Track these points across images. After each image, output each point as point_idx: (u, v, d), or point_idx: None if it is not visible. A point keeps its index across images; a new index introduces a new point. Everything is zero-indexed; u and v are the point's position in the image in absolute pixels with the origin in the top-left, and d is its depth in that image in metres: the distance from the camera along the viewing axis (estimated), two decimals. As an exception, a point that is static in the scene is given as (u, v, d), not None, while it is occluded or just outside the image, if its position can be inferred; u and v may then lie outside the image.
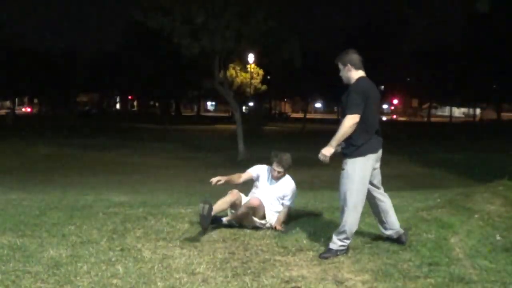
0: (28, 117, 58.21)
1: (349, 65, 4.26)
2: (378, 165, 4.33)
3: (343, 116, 4.16)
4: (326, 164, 4.25)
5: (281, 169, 5.09)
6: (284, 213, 5.08)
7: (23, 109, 73.95)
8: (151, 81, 50.67)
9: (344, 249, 4.17)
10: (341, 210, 4.22)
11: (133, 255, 4.01)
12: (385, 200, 4.40)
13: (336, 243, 4.16)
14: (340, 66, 4.31)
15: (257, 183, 5.23)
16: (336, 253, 4.11)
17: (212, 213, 4.60)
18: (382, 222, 4.43)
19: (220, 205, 4.87)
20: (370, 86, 4.27)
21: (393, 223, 4.40)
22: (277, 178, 5.13)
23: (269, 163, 5.16)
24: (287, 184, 5.18)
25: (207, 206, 4.46)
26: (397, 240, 4.37)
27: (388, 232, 4.42)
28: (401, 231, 4.41)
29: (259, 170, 5.24)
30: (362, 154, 4.15)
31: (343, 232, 4.15)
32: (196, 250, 4.20)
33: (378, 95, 4.37)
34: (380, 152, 4.30)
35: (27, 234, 4.53)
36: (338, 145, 4.17)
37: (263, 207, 4.93)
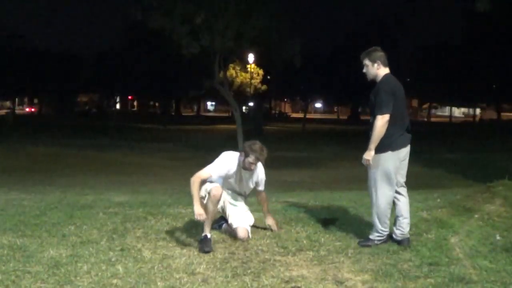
0: (28, 117, 58.16)
1: (379, 61, 4.33)
2: (406, 160, 4.43)
3: (372, 115, 4.28)
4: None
5: (259, 163, 4.65)
6: (267, 203, 4.95)
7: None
8: (151, 81, 50.65)
9: (383, 239, 4.36)
10: (371, 205, 4.41)
11: (133, 255, 4.01)
12: (401, 199, 4.43)
13: (372, 233, 4.38)
14: (368, 62, 4.36)
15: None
16: (374, 242, 4.33)
17: (210, 223, 4.44)
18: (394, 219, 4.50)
19: (212, 211, 4.40)
20: (397, 83, 4.38)
21: (403, 225, 4.40)
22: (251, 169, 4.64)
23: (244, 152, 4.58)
24: (260, 169, 4.76)
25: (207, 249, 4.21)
26: (398, 242, 4.38)
27: (395, 231, 4.43)
28: (408, 235, 4.42)
29: (228, 166, 4.59)
30: (393, 148, 4.27)
31: (375, 225, 4.36)
32: (196, 250, 4.20)
33: (403, 92, 4.46)
34: (408, 147, 4.41)
35: (27, 234, 4.54)
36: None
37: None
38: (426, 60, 52.93)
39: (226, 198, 4.73)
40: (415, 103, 78.26)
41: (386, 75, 4.34)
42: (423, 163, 16.49)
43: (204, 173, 4.50)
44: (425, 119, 67.47)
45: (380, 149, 4.25)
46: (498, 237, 4.57)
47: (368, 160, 4.24)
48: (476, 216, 5.41)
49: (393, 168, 4.29)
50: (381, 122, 4.17)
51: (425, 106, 72.44)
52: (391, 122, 4.22)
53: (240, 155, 4.56)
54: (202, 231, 4.34)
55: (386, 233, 4.36)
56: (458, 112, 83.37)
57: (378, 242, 4.33)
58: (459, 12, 46.28)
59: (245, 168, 4.57)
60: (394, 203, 4.42)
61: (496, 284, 3.44)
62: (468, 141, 28.02)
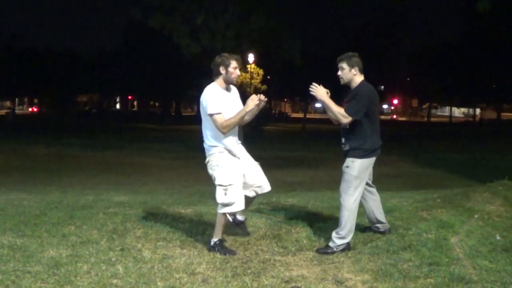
0: (28, 117, 58.16)
1: (357, 67, 4.32)
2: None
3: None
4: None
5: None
6: None
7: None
8: (151, 81, 50.68)
9: (344, 247, 4.22)
10: (341, 209, 4.33)
11: (133, 255, 4.01)
12: (372, 196, 4.63)
13: (335, 241, 4.24)
14: (346, 66, 4.33)
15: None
16: (333, 250, 4.19)
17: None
18: (371, 217, 4.69)
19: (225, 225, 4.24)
20: (373, 90, 4.38)
21: (382, 218, 4.69)
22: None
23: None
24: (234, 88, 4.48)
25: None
26: (382, 232, 4.62)
27: (377, 225, 4.69)
28: (388, 226, 4.72)
29: (219, 94, 4.27)
30: (366, 156, 4.29)
31: (342, 230, 4.25)
32: (196, 250, 4.20)
33: (378, 99, 4.47)
34: (378, 152, 4.45)
35: (27, 234, 4.53)
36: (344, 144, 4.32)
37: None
38: (426, 60, 52.91)
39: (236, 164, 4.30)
40: (415, 103, 78.28)
41: (363, 82, 4.33)
42: (423, 163, 16.52)
43: (219, 118, 4.12)
44: (425, 119, 67.47)
45: (359, 155, 4.24)
46: (498, 237, 4.56)
47: (317, 90, 4.29)
48: (476, 216, 5.40)
49: (367, 174, 4.38)
50: (347, 120, 4.17)
51: (425, 106, 72.41)
52: (370, 129, 4.27)
53: (219, 76, 4.30)
54: (212, 236, 4.23)
55: (349, 239, 4.28)
56: (458, 112, 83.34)
57: (338, 249, 4.19)
58: (459, 12, 46.23)
59: (230, 81, 4.30)
60: (362, 202, 4.51)
61: (496, 284, 3.44)
62: (468, 141, 28.01)
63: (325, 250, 4.19)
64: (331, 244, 4.23)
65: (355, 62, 4.31)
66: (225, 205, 4.10)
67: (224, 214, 4.14)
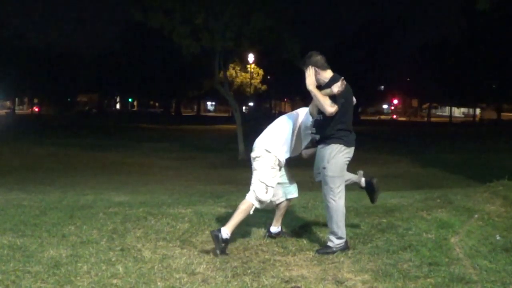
0: (28, 117, 58.14)
1: (317, 68, 4.25)
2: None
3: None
4: None
5: None
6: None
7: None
8: (151, 81, 50.69)
9: (343, 247, 4.21)
10: (328, 210, 4.27)
11: (133, 255, 4.01)
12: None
13: (333, 241, 4.22)
14: (308, 64, 4.28)
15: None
16: (333, 250, 4.17)
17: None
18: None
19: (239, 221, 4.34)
20: (347, 85, 4.29)
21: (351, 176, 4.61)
22: None
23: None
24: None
25: None
26: (368, 183, 4.63)
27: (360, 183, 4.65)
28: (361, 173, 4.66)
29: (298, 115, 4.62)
30: (347, 144, 4.21)
31: (335, 230, 4.22)
32: (196, 250, 4.20)
33: (352, 93, 4.37)
34: (353, 149, 4.34)
35: (27, 234, 4.53)
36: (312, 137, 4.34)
37: None
38: (426, 60, 52.93)
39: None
40: (415, 103, 78.35)
41: (333, 76, 4.28)
42: (423, 163, 16.50)
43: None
44: (425, 119, 67.46)
45: (334, 141, 4.18)
46: (498, 237, 4.57)
47: (309, 76, 4.20)
48: (476, 216, 5.41)
49: (345, 165, 4.26)
50: (333, 109, 4.07)
51: (425, 106, 72.45)
52: (343, 120, 4.20)
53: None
54: (219, 230, 4.20)
55: (345, 238, 4.26)
56: (458, 112, 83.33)
57: (338, 249, 4.18)
58: (459, 12, 46.24)
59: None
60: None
61: (496, 284, 3.44)
62: (468, 141, 27.99)
63: (325, 251, 4.17)
64: (330, 244, 4.22)
65: (312, 62, 4.26)
66: (260, 201, 4.31)
67: (252, 205, 4.30)
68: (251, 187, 4.35)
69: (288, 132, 4.47)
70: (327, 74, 4.29)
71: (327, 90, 4.18)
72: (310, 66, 4.25)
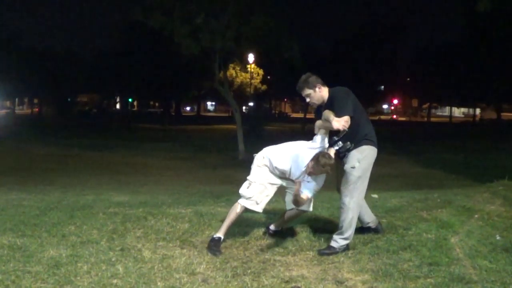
0: (28, 117, 58.14)
1: (318, 84, 4.25)
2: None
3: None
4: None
5: None
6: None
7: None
8: (151, 81, 50.64)
9: (345, 247, 4.21)
10: (341, 207, 4.29)
11: (133, 255, 4.01)
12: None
13: (338, 242, 4.21)
14: (309, 91, 4.25)
15: None
16: (336, 251, 4.17)
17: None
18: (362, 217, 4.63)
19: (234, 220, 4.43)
20: (343, 88, 4.33)
21: (370, 215, 4.67)
22: None
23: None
24: None
25: None
26: (375, 230, 4.62)
27: (369, 224, 4.65)
28: (377, 220, 4.72)
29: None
30: (374, 144, 4.27)
31: (347, 232, 4.22)
32: (196, 250, 4.20)
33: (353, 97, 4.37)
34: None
35: (27, 234, 4.53)
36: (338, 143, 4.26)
37: None
38: (426, 60, 52.89)
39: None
40: (415, 103, 78.25)
41: (330, 89, 4.28)
42: (423, 163, 16.51)
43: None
44: (425, 119, 67.43)
45: (366, 143, 4.23)
46: (498, 237, 4.57)
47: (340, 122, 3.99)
48: (476, 216, 5.41)
49: (371, 166, 4.30)
50: (346, 123, 4.00)
51: (425, 106, 72.39)
52: (363, 122, 4.24)
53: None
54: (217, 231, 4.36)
55: (350, 240, 4.27)
56: (458, 112, 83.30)
57: (340, 250, 4.17)
58: (459, 12, 46.23)
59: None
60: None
61: (496, 284, 3.44)
62: (468, 141, 27.99)
63: (328, 251, 4.16)
64: (334, 244, 4.21)
65: (314, 81, 4.24)
66: (243, 196, 4.34)
67: (239, 205, 4.33)
68: None
69: (291, 146, 4.42)
70: (326, 91, 4.30)
71: (325, 116, 4.13)
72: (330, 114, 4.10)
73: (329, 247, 4.22)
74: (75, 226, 4.90)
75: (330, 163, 4.02)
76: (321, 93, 4.27)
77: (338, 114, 4.04)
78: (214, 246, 4.18)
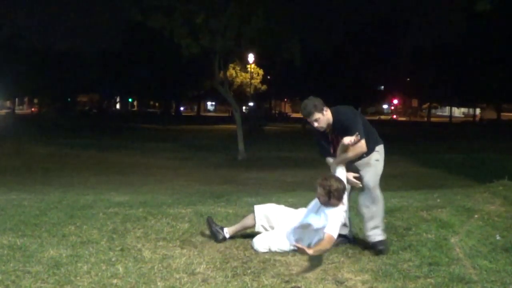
0: (28, 117, 58.13)
1: (324, 106, 4.22)
2: None
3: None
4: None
5: None
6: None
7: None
8: (151, 81, 50.69)
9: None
10: (371, 202, 4.26)
11: (133, 255, 4.01)
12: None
13: (383, 234, 4.24)
14: (318, 115, 4.19)
15: None
16: (386, 241, 4.23)
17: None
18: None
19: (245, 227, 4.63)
20: (342, 107, 4.38)
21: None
22: None
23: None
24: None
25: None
26: (344, 236, 4.50)
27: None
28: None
29: None
30: (381, 143, 4.40)
31: (381, 226, 4.26)
32: (196, 250, 4.20)
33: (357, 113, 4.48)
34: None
35: (27, 234, 4.53)
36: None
37: None
38: (426, 60, 52.92)
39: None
40: (415, 103, 78.30)
41: (332, 110, 4.26)
42: (423, 163, 16.50)
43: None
44: (425, 119, 67.45)
45: (376, 143, 4.34)
46: (498, 237, 4.57)
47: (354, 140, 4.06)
48: (476, 216, 5.41)
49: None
50: (365, 145, 4.13)
51: (425, 106, 72.40)
52: (370, 133, 4.33)
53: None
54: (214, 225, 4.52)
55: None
56: (458, 112, 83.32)
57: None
58: (459, 12, 46.22)
59: None
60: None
61: (496, 284, 3.44)
62: (468, 141, 27.99)
63: (384, 247, 4.15)
64: (382, 237, 4.21)
65: (321, 104, 4.20)
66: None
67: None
68: None
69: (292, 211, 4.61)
70: (329, 112, 4.27)
71: (342, 149, 4.17)
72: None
73: (381, 242, 4.19)
74: (75, 226, 4.90)
75: (341, 187, 4.03)
76: (328, 115, 4.22)
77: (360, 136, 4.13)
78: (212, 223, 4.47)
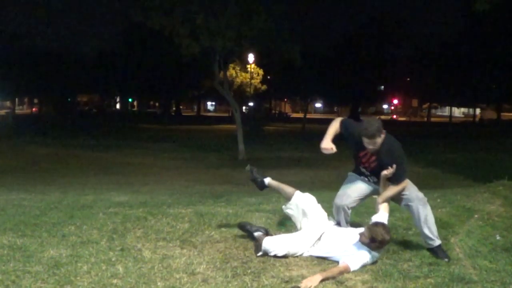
0: (28, 117, 58.13)
1: (383, 131, 4.14)
2: None
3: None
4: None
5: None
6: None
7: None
8: (151, 81, 50.67)
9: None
10: (425, 207, 4.19)
11: (133, 255, 4.01)
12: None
13: (436, 239, 4.15)
14: (378, 140, 4.11)
15: None
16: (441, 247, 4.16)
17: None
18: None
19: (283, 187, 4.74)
20: (395, 142, 4.27)
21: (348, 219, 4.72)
22: None
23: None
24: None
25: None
26: None
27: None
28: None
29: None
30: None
31: (433, 225, 4.18)
32: (196, 250, 4.20)
33: None
34: None
35: (27, 234, 4.53)
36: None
37: None
38: (426, 60, 52.92)
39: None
40: (415, 103, 78.29)
41: (388, 136, 4.19)
42: (423, 163, 16.49)
43: None
44: (425, 119, 67.45)
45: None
46: (498, 237, 4.57)
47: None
48: (476, 216, 5.42)
49: None
50: (405, 182, 4.17)
51: (425, 106, 72.42)
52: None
53: None
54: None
55: None
56: (458, 112, 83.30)
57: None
58: (459, 12, 46.27)
59: None
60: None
61: (496, 284, 3.45)
62: (468, 141, 28.00)
63: (442, 252, 4.10)
64: (437, 242, 4.13)
65: (381, 127, 4.11)
66: None
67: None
68: None
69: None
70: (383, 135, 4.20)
71: (384, 183, 4.20)
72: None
73: (438, 246, 4.12)
74: (75, 226, 4.90)
75: (386, 239, 3.89)
76: (382, 139, 4.15)
77: (400, 179, 4.15)
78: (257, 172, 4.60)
